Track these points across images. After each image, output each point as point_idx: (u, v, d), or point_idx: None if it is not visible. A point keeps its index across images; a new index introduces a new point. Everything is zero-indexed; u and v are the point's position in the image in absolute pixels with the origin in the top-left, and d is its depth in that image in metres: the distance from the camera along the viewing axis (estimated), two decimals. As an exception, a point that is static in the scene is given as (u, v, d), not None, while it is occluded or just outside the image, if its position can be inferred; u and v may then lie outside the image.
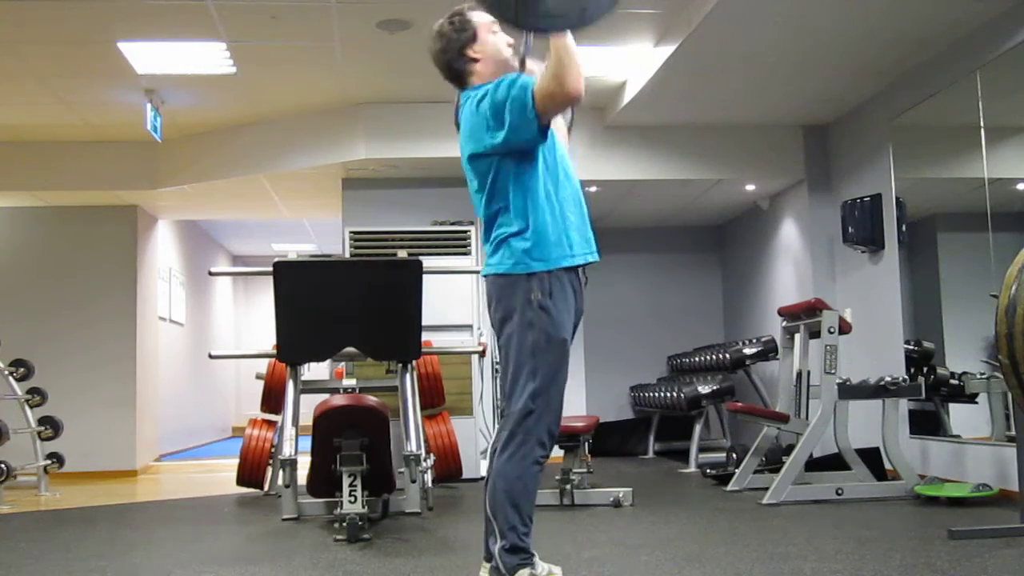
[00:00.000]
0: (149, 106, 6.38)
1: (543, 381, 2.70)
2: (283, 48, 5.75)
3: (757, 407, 6.84)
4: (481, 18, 2.86)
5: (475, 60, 2.84)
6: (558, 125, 2.89)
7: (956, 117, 5.70)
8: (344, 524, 4.10)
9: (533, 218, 2.73)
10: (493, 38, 2.86)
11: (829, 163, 7.15)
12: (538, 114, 2.62)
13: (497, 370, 6.39)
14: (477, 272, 5.88)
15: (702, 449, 7.36)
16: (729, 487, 5.62)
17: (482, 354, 6.52)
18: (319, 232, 10.85)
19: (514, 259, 2.73)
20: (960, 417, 5.79)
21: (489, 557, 2.73)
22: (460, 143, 2.87)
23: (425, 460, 4.96)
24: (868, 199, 6.34)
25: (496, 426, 4.31)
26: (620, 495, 5.07)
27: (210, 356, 6.64)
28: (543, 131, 2.68)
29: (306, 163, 7.09)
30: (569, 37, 2.54)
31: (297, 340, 4.87)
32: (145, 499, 6.42)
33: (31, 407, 6.66)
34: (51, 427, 6.72)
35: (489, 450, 2.82)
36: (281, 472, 4.74)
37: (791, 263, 7.60)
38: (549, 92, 2.58)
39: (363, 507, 4.23)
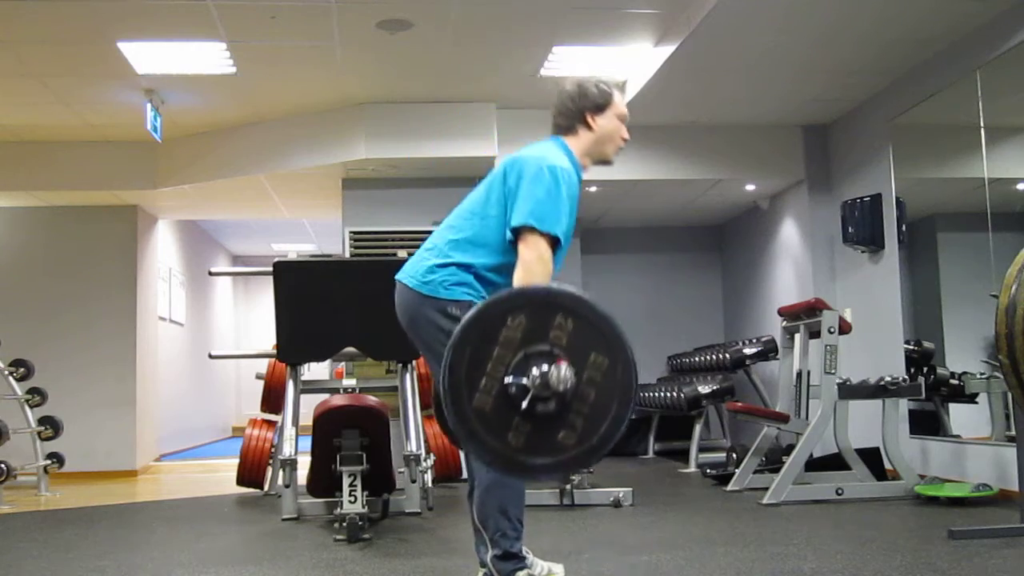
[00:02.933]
0: (149, 106, 6.37)
1: None
2: (283, 48, 5.75)
3: (757, 407, 6.85)
4: (620, 101, 2.84)
5: (589, 128, 2.80)
6: None
7: (956, 117, 5.70)
8: (344, 524, 4.10)
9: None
10: (616, 126, 2.82)
11: (829, 163, 7.15)
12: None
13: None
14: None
15: (702, 449, 7.35)
16: (729, 487, 5.63)
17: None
18: (319, 232, 10.84)
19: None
20: (960, 417, 5.79)
21: (483, 564, 2.73)
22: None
23: (425, 460, 4.96)
24: (868, 199, 6.34)
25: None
26: (620, 495, 5.06)
27: (210, 356, 6.68)
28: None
29: (306, 163, 7.08)
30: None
31: (297, 340, 4.87)
32: (145, 499, 6.41)
33: (31, 407, 6.66)
34: (51, 427, 6.71)
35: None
36: (281, 472, 4.74)
37: (791, 263, 7.60)
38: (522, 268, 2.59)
39: (363, 507, 4.23)
